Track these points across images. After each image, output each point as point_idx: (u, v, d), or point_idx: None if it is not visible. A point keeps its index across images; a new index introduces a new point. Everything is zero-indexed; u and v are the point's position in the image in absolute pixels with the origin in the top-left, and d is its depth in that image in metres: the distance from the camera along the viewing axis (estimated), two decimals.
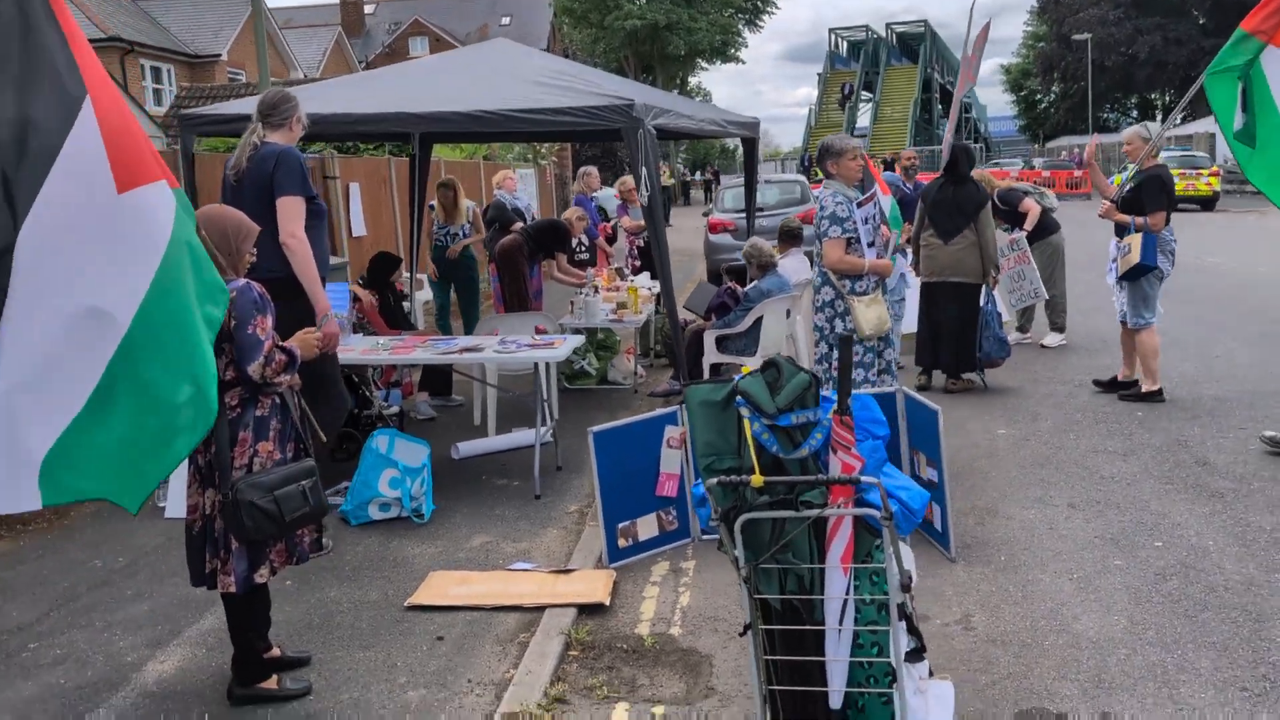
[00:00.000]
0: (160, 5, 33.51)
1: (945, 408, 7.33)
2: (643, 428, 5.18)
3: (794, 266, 8.44)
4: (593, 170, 11.74)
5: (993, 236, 7.84)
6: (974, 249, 7.77)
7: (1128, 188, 7.28)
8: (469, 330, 8.32)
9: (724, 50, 47.64)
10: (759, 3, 51.73)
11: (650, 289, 10.01)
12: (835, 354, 6.09)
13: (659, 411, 5.28)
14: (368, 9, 56.88)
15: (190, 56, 30.47)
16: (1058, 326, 9.72)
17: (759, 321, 7.63)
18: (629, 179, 12.08)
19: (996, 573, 4.59)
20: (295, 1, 57.65)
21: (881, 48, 51.83)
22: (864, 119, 48.57)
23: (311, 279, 4.94)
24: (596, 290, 9.56)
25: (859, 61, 51.20)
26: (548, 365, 6.55)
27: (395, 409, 7.33)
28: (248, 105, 7.61)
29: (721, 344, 7.78)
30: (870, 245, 6.08)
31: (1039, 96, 60.76)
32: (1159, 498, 5.42)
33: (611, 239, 11.63)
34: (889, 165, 10.39)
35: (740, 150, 11.24)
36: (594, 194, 11.70)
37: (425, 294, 12.49)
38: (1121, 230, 7.29)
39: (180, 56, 30.14)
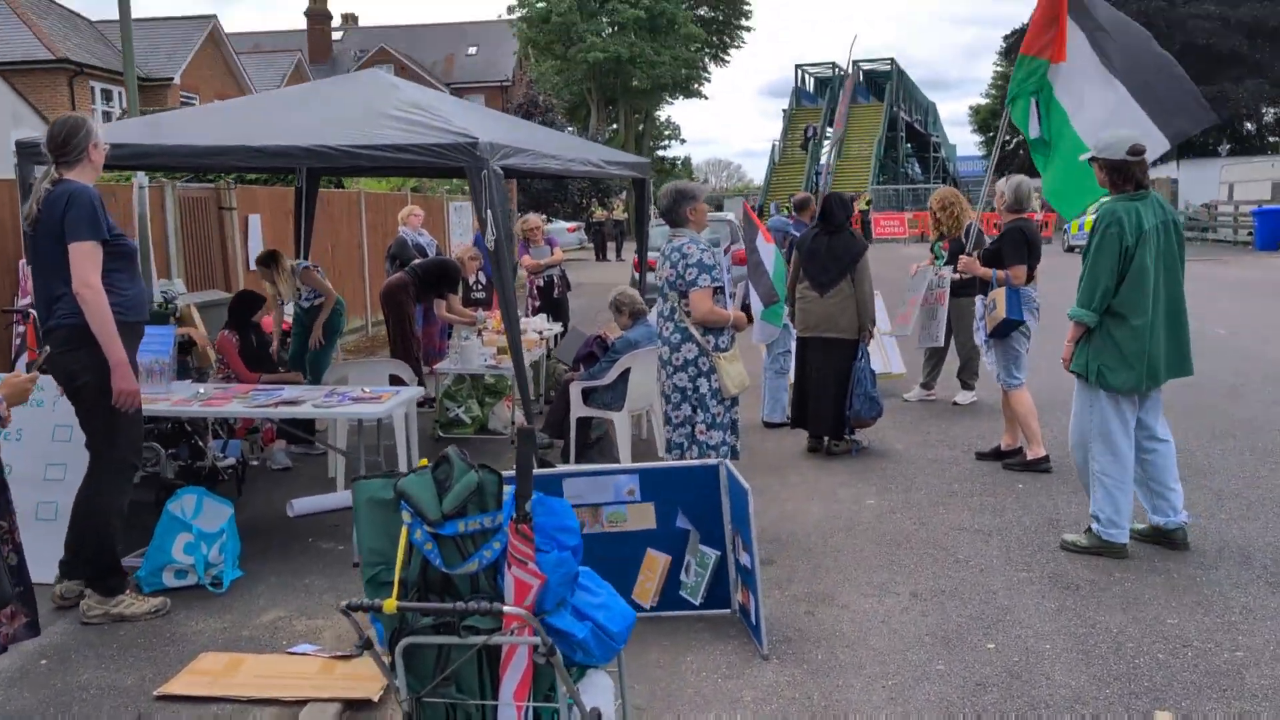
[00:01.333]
0: (114, 29, 33.04)
1: (819, 473, 6.98)
2: None
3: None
4: (532, 217, 11.42)
5: (870, 290, 7.45)
6: (850, 302, 7.37)
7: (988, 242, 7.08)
8: (316, 378, 7.84)
9: (687, 85, 47.61)
10: (724, 38, 51.94)
11: (544, 332, 9.60)
12: (698, 415, 5.67)
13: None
14: (335, 35, 56.54)
15: (142, 79, 29.92)
16: (969, 385, 9.31)
17: (627, 374, 7.18)
18: (531, 217, 11.72)
19: (807, 676, 4.11)
20: (264, 26, 57.37)
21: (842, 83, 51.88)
22: (829, 155, 48.57)
23: (105, 330, 4.48)
24: (481, 332, 9.14)
25: (825, 98, 51.26)
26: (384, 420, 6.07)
27: (231, 460, 6.84)
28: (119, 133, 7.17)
29: (588, 397, 7.32)
30: (732, 296, 5.71)
31: (1006, 138, 60.73)
32: (1009, 588, 4.97)
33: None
34: (800, 208, 9.97)
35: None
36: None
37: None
38: (986, 287, 6.97)
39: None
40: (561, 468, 5.23)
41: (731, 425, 5.80)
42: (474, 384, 9.10)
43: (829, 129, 49.31)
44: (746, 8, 52.47)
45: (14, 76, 25.50)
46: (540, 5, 44.46)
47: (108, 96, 28.55)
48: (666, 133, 68.69)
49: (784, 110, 52.89)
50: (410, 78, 51.00)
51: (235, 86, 34.28)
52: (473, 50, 54.77)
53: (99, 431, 4.66)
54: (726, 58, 52.82)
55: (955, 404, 9.20)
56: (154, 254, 9.35)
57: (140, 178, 8.32)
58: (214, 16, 33.32)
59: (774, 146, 50.01)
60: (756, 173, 70.55)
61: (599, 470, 4.82)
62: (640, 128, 51.35)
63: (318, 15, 54.85)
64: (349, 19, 60.24)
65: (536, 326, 9.76)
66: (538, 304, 11.24)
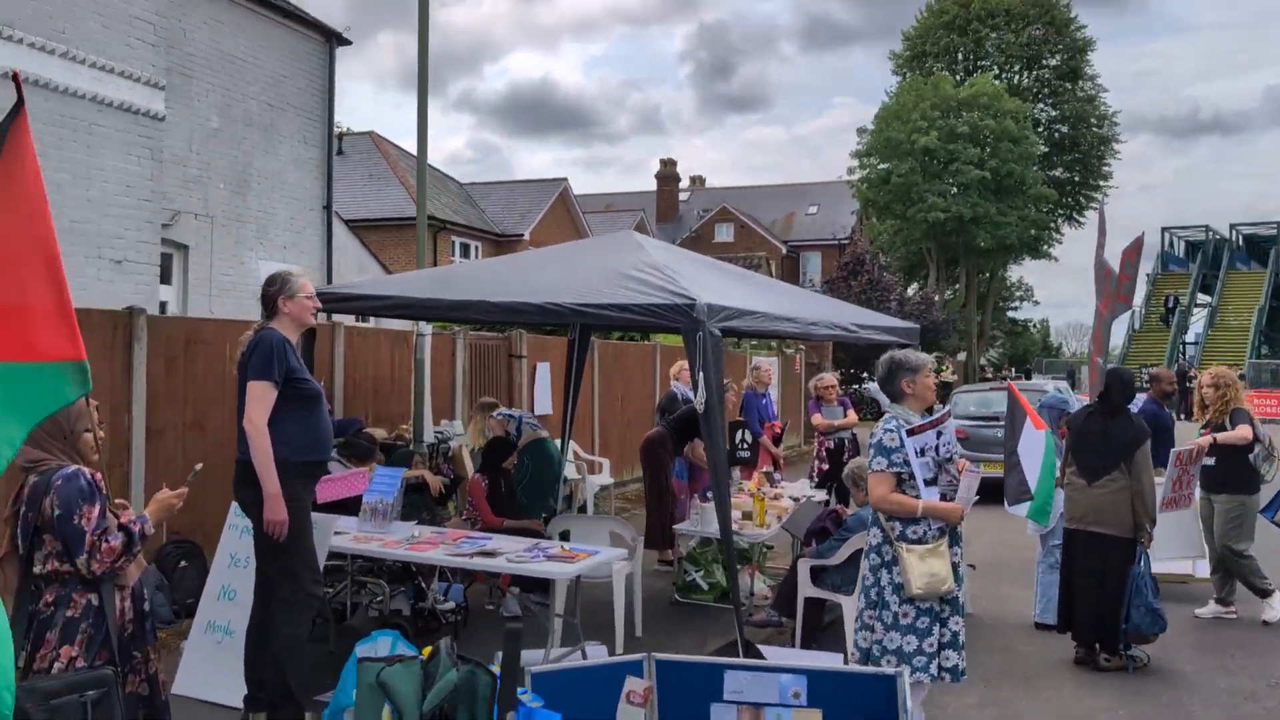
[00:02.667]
0: (481, 190, 36.82)
1: (1080, 689, 6.00)
2: (601, 674, 4.42)
3: None
4: (764, 363, 11.14)
5: (1150, 484, 6.45)
6: (1123, 495, 6.41)
7: None
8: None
9: (1035, 246, 45.68)
10: (1079, 198, 49.63)
11: (802, 499, 9.15)
12: (880, 613, 5.07)
13: (623, 658, 4.51)
14: (682, 196, 59.74)
15: (497, 235, 32.95)
16: (1263, 591, 7.81)
17: (858, 555, 6.60)
18: (826, 375, 11.35)
19: None
20: (615, 188, 61.73)
21: (1224, 249, 47.75)
22: (1198, 325, 44.62)
23: (262, 463, 4.76)
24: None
25: (1195, 263, 47.40)
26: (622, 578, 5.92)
27: (451, 604, 6.92)
28: (383, 286, 7.82)
29: (817, 576, 6.79)
30: (930, 483, 5.09)
31: None
32: None
33: (778, 439, 10.87)
34: (1152, 381, 9.05)
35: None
36: (767, 389, 11.06)
37: (599, 478, 12.23)
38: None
39: (488, 235, 32.66)
40: (727, 658, 4.79)
41: (953, 640, 5.04)
42: (719, 547, 8.78)
43: (1200, 296, 45.44)
44: (1107, 168, 50.00)
45: (385, 230, 28.87)
46: (882, 167, 44.69)
47: (465, 250, 31.49)
48: (1018, 293, 66.07)
49: (1147, 275, 49.33)
50: (748, 234, 52.93)
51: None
52: (813, 210, 55.81)
53: (273, 563, 4.85)
54: (1081, 219, 50.29)
55: (1265, 623, 7.70)
56: (433, 397, 9.93)
57: (423, 326, 8.88)
58: (564, 179, 36.23)
59: (1134, 313, 46.59)
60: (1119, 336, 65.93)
61: (763, 666, 4.36)
62: (984, 288, 49.69)
63: (667, 178, 58.32)
64: (696, 181, 63.55)
65: (797, 491, 9.34)
66: (826, 466, 10.72)
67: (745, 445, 10.55)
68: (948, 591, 5.03)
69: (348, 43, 15.04)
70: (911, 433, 5.05)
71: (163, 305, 12.45)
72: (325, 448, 5.12)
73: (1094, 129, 48.65)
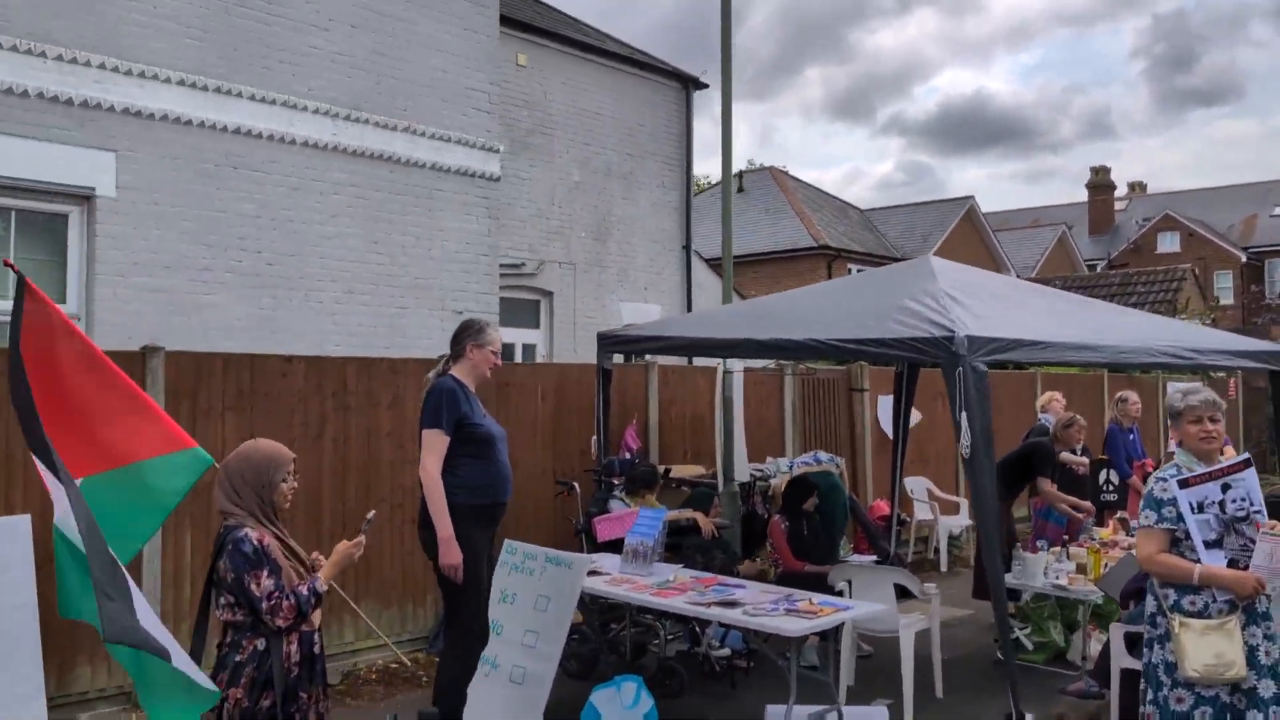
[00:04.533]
0: (883, 215, 36.29)
1: None
2: None
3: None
4: (1130, 395, 9.81)
5: None
6: None
7: None
8: None
9: None
10: None
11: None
12: (1156, 694, 4.27)
13: None
14: (1119, 205, 55.03)
15: (898, 260, 32.29)
16: None
17: None
18: (1130, 394, 9.93)
19: None
20: (1055, 200, 58.07)
21: None
22: None
23: (435, 507, 5.00)
24: (1077, 542, 7.95)
25: None
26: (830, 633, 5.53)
27: (726, 651, 6.76)
28: (662, 328, 7.96)
29: (1135, 644, 5.86)
30: (1212, 545, 4.24)
31: None
32: None
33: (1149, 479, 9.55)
34: None
35: None
36: (1133, 424, 9.76)
37: (956, 520, 11.47)
38: None
39: (888, 259, 32.05)
40: None
41: None
42: (1061, 604, 7.87)
43: None
44: None
45: (780, 263, 29.28)
46: None
47: None
48: None
49: None
50: (1198, 243, 47.67)
51: (990, 261, 35.10)
52: (1278, 210, 49.14)
53: (449, 600, 5.08)
54: None
55: None
56: (759, 434, 9.86)
57: (731, 364, 8.83)
58: (971, 198, 34.71)
59: None
60: None
61: None
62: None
63: (1099, 186, 54.03)
64: (1136, 187, 58.27)
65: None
66: None
67: (1110, 487, 9.46)
68: (1236, 678, 4.15)
69: (704, 86, 15.47)
70: (1185, 484, 4.23)
71: (530, 349, 13.51)
72: (500, 490, 5.24)
73: None
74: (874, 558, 8.98)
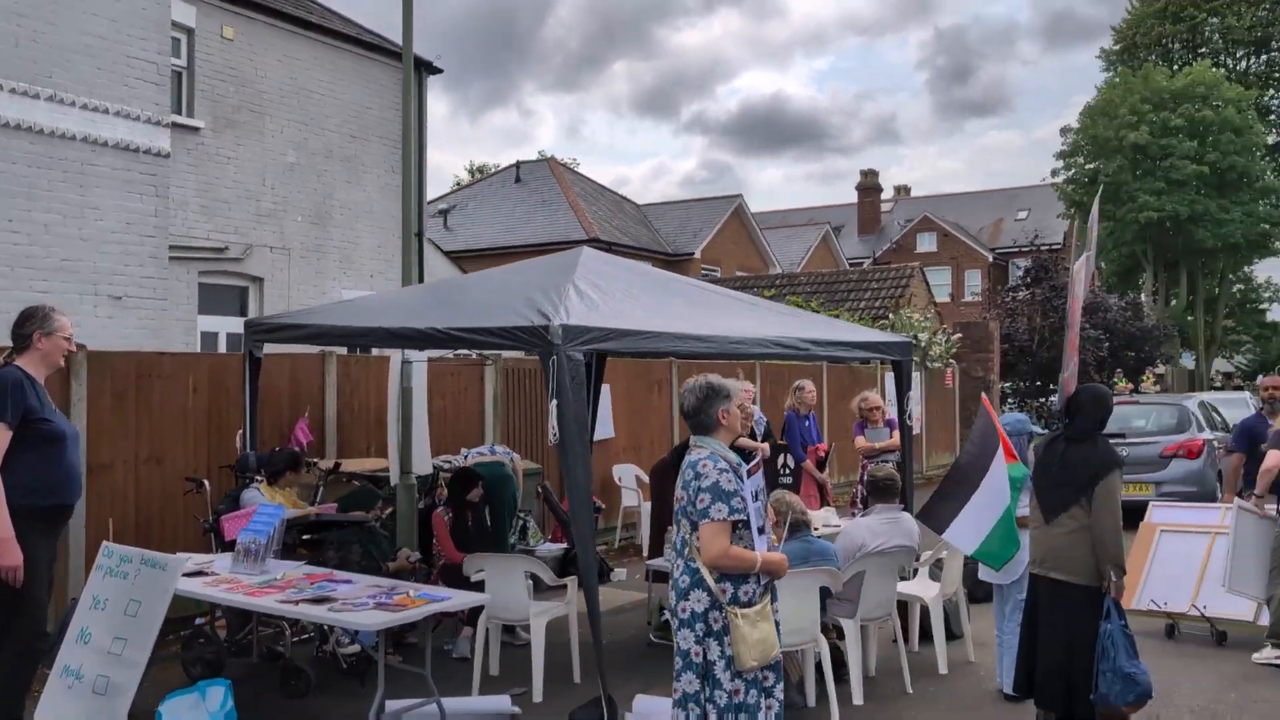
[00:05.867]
0: (657, 211, 36.93)
1: None
2: None
3: (876, 529, 6.56)
4: (806, 384, 10.26)
5: (1115, 524, 5.35)
6: (1083, 536, 5.37)
7: None
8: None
9: (1265, 244, 41.28)
10: None
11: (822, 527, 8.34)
12: (713, 693, 4.34)
13: None
14: (885, 207, 58.02)
15: (668, 255, 32.85)
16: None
17: None
18: (871, 395, 10.48)
19: None
20: (819, 202, 60.58)
21: None
22: None
23: None
24: None
25: None
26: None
27: (356, 648, 6.61)
28: (308, 315, 7.70)
29: None
30: (761, 532, 4.39)
31: None
32: None
33: (822, 464, 10.02)
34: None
35: None
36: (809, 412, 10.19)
37: None
38: None
39: (658, 255, 32.59)
40: None
41: (759, 707, 4.32)
42: None
43: None
44: None
45: (553, 254, 29.26)
46: (1089, 167, 41.72)
47: None
48: (1267, 294, 60.03)
49: None
50: (952, 243, 50.74)
51: (757, 256, 36.27)
52: (1022, 215, 52.95)
53: (4, 606, 4.72)
54: None
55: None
56: (458, 426, 9.73)
57: (410, 354, 8.63)
58: (739, 196, 35.78)
59: None
60: None
61: None
62: (1216, 291, 45.30)
63: (868, 189, 56.82)
64: (901, 190, 61.55)
65: (820, 520, 8.55)
66: (868, 492, 9.90)
67: (787, 471, 9.82)
68: (777, 656, 4.34)
69: (438, 71, 15.21)
70: (749, 473, 4.36)
71: (235, 338, 12.93)
72: (67, 491, 4.95)
73: None
74: (565, 546, 9.04)
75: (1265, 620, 7.32)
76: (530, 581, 6.68)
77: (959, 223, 52.82)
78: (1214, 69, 41.35)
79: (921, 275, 23.92)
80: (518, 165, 35.99)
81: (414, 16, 8.33)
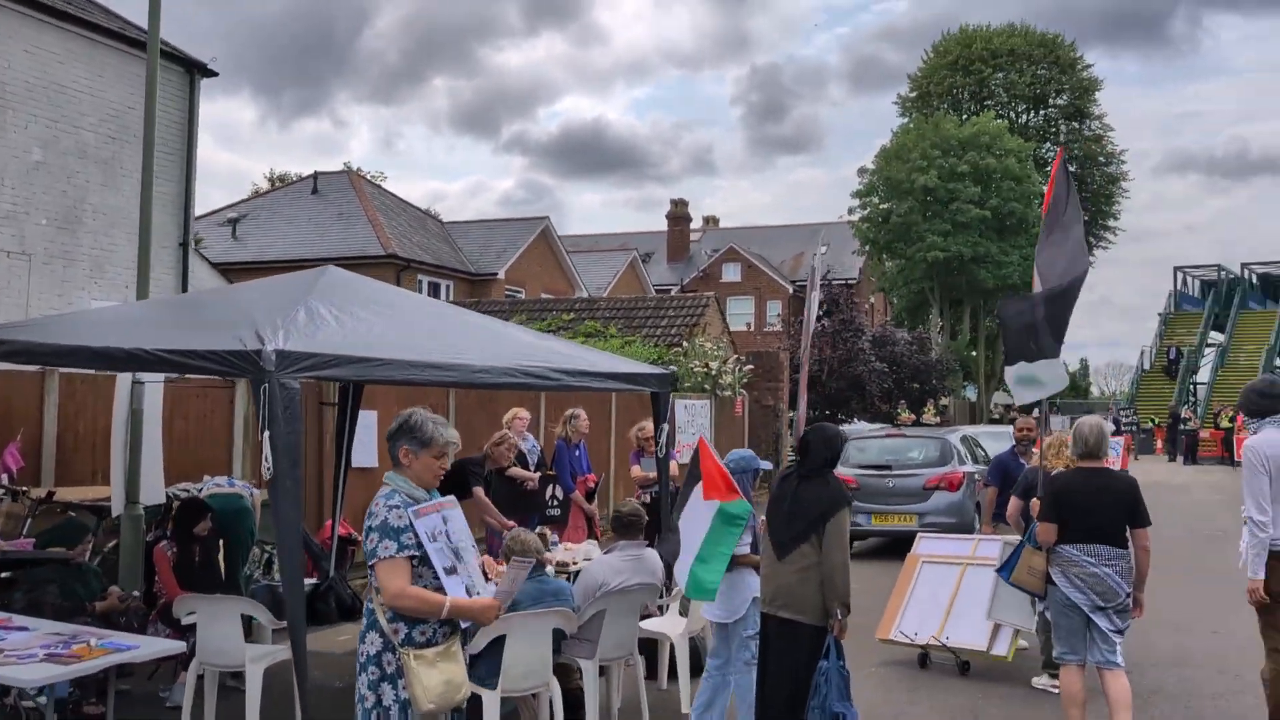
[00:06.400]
0: (462, 229, 36.42)
1: None
2: None
3: (617, 566, 6.43)
4: (580, 412, 10.11)
5: (843, 561, 5.38)
6: (813, 574, 5.38)
7: None
8: None
9: None
10: (1090, 238, 48.12)
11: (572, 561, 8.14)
12: None
13: None
14: (695, 236, 59.18)
15: (471, 274, 32.35)
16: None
17: (501, 644, 5.62)
18: (648, 425, 10.39)
19: None
20: (634, 228, 61.24)
21: (1237, 288, 46.09)
22: (1210, 364, 42.87)
23: None
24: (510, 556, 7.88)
25: (1209, 302, 45.76)
26: None
27: (43, 699, 5.96)
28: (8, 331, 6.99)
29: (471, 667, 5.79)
30: (451, 572, 4.14)
31: None
32: None
33: (591, 495, 9.88)
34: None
35: None
36: (579, 440, 10.03)
37: None
38: None
39: (461, 274, 32.04)
40: None
41: None
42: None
43: (1213, 335, 43.84)
44: (1118, 208, 48.65)
45: (348, 269, 28.36)
46: (883, 207, 43.67)
47: (435, 289, 30.88)
48: None
49: (1159, 314, 47.71)
50: (756, 274, 52.12)
51: (563, 279, 36.20)
52: (823, 249, 54.73)
53: None
54: (1091, 258, 48.77)
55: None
56: (206, 451, 9.09)
57: (141, 375, 7.97)
58: (546, 218, 35.72)
59: (1142, 353, 45.01)
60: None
61: None
62: (992, 326, 48.09)
63: (678, 218, 57.87)
64: (710, 221, 62.93)
65: (584, 553, 8.37)
66: (613, 528, 9.79)
67: (555, 502, 9.62)
68: (464, 699, 4.12)
69: (213, 74, 14.40)
70: (419, 513, 4.09)
71: None
72: None
73: (1102, 168, 47.36)
74: (314, 580, 8.53)
75: (1001, 650, 7.57)
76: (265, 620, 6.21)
77: (763, 255, 54.38)
78: (998, 120, 44.09)
79: (717, 304, 24.33)
80: (315, 175, 34.80)
81: (162, 7, 7.79)
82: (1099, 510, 5.81)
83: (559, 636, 6.04)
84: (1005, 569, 6.33)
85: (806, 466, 5.62)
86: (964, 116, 45.72)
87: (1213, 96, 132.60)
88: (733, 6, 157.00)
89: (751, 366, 21.82)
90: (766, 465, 6.41)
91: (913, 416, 30.50)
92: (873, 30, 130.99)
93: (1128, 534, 5.85)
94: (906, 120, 48.04)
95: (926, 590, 8.07)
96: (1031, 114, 49.31)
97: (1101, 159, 47.50)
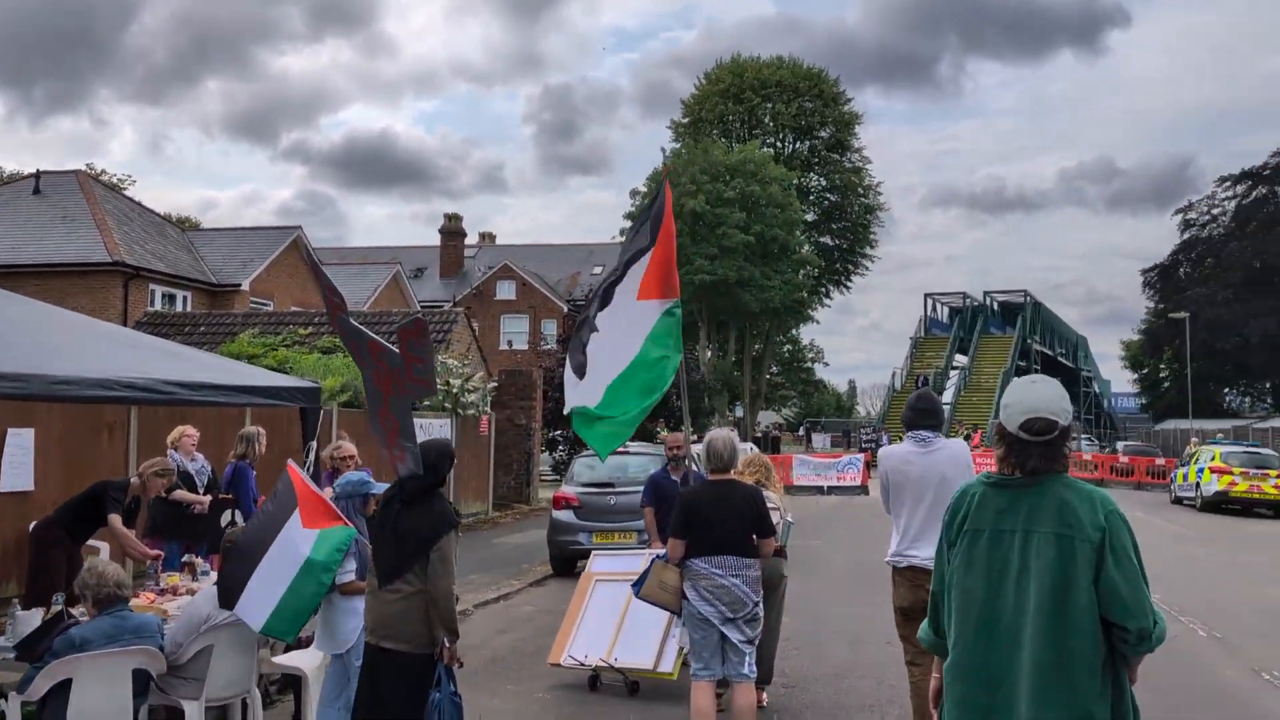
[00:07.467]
0: (206, 237, 34.36)
1: None
2: None
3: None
4: (260, 432, 9.27)
5: (448, 589, 4.91)
6: (417, 602, 4.87)
7: None
8: None
9: (799, 310, 45.80)
10: (848, 265, 50.42)
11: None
12: None
13: None
14: (469, 253, 58.33)
15: (211, 285, 30.40)
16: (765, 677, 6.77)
17: (67, 689, 4.84)
18: (345, 444, 9.63)
19: None
20: (402, 242, 59.69)
21: (980, 314, 49.32)
22: (955, 385, 45.53)
23: None
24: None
25: (955, 327, 48.73)
26: None
27: None
28: None
29: None
30: None
31: (1162, 373, 56.22)
32: None
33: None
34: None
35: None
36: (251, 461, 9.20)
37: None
38: None
39: (200, 285, 30.06)
40: None
41: None
42: None
43: (958, 358, 46.66)
44: (874, 236, 51.12)
45: (71, 277, 26.26)
46: None
47: (170, 300, 28.87)
48: (810, 355, 66.74)
49: (911, 338, 50.40)
50: (530, 292, 51.66)
51: (317, 294, 34.64)
52: (597, 269, 55.06)
53: None
54: (849, 285, 51.12)
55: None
56: None
57: None
58: (298, 228, 34.09)
59: (894, 374, 47.33)
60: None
61: None
62: (760, 350, 49.48)
63: (452, 233, 56.84)
64: (486, 237, 62.15)
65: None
66: None
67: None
68: None
69: None
70: None
71: None
72: None
73: (861, 198, 49.69)
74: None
75: (666, 667, 7.30)
76: None
77: (540, 273, 54.04)
78: (765, 149, 45.53)
79: (465, 320, 23.67)
80: (38, 175, 31.96)
81: None
82: (724, 522, 5.65)
83: (145, 678, 5.30)
84: (637, 584, 6.05)
85: (408, 490, 5.10)
86: (734, 144, 47.01)
87: (970, 136, 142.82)
88: (526, 25, 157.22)
89: (496, 387, 21.28)
90: (380, 489, 5.82)
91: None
92: (661, 57, 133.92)
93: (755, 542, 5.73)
94: (679, 145, 48.94)
95: (597, 611, 7.73)
96: (797, 144, 51.21)
97: (860, 190, 49.77)
